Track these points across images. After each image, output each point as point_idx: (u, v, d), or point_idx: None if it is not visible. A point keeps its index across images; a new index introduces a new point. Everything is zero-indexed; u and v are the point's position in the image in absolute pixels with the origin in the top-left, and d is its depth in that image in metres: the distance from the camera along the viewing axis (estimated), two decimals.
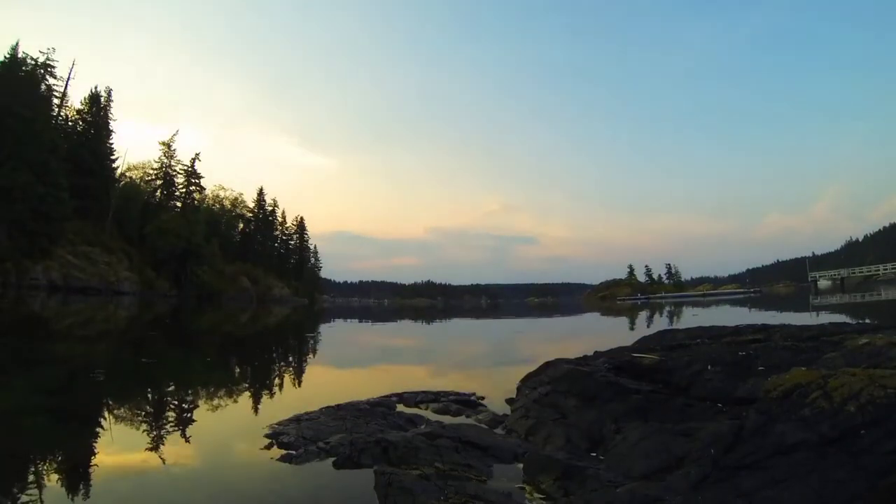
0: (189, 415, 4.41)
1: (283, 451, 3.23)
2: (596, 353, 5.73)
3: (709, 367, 3.84)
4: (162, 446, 3.47)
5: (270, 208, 69.14)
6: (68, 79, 39.29)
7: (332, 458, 3.10)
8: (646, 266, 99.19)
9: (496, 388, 5.78)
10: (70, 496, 2.60)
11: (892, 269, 48.11)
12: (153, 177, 50.63)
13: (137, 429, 3.86)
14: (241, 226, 65.38)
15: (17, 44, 33.42)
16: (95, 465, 3.05)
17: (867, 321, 6.40)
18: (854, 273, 54.31)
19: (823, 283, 54.74)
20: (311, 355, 10.74)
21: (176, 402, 5.03)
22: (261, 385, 6.18)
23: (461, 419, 4.50)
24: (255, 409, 4.64)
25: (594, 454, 3.24)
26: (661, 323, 18.21)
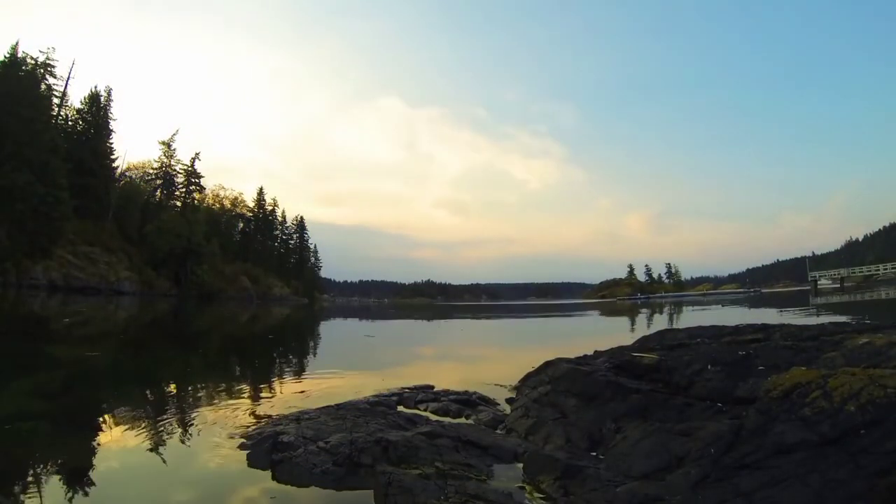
0: (188, 415, 4.41)
1: (283, 451, 3.23)
2: (596, 352, 5.74)
3: (709, 366, 3.84)
4: (161, 448, 3.47)
5: (270, 208, 69.09)
6: (68, 79, 39.28)
7: (333, 458, 3.10)
8: (646, 266, 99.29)
9: (496, 387, 5.78)
10: (69, 499, 2.60)
11: (892, 269, 48.06)
12: (153, 176, 50.61)
13: (137, 431, 3.86)
14: (241, 225, 65.33)
15: (16, 44, 33.42)
16: (94, 468, 3.06)
17: (867, 321, 6.40)
18: (854, 273, 54.26)
19: (823, 283, 54.69)
20: (310, 355, 10.74)
21: (175, 403, 5.03)
22: (260, 384, 6.18)
23: (461, 419, 4.50)
24: (255, 409, 4.64)
25: (594, 453, 3.24)
26: (660, 322, 18.21)
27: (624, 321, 21.10)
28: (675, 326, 7.37)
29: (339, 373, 7.09)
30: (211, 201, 60.70)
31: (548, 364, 5.23)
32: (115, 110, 44.05)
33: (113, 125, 43.28)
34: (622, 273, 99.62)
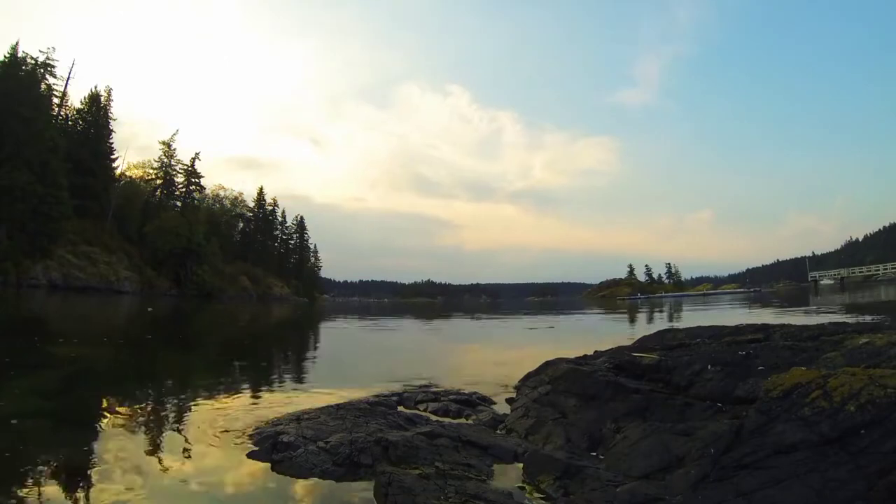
0: (188, 415, 4.41)
1: (283, 451, 3.23)
2: (596, 352, 5.74)
3: (709, 366, 3.84)
4: (160, 447, 3.47)
5: (270, 208, 69.16)
6: (68, 78, 39.35)
7: (332, 458, 3.10)
8: (646, 266, 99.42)
9: (496, 387, 5.78)
10: (69, 497, 2.60)
11: (892, 268, 48.13)
12: (153, 176, 50.63)
13: (136, 431, 3.86)
14: (241, 225, 65.40)
15: (17, 43, 33.44)
16: (94, 466, 3.05)
17: (867, 321, 6.40)
18: (854, 273, 54.33)
19: (823, 283, 54.72)
20: (310, 354, 10.74)
21: (175, 403, 5.03)
22: (260, 384, 6.18)
23: (461, 419, 4.50)
24: (255, 408, 4.64)
25: (594, 453, 3.25)
26: (660, 322, 18.21)
27: (624, 321, 21.10)
28: (674, 326, 7.36)
29: (339, 372, 7.10)
30: (211, 201, 60.77)
31: (548, 364, 5.23)
32: (117, 109, 44.12)
33: (113, 125, 43.35)
34: (623, 273, 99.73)
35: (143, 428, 3.91)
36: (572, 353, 5.80)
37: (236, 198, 65.24)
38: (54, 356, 7.37)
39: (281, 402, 5.01)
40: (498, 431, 4.01)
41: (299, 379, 6.84)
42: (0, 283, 26.61)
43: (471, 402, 5.02)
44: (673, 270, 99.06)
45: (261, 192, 67.94)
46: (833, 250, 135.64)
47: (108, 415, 4.37)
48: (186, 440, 3.65)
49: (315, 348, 12.09)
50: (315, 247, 79.63)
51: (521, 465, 3.13)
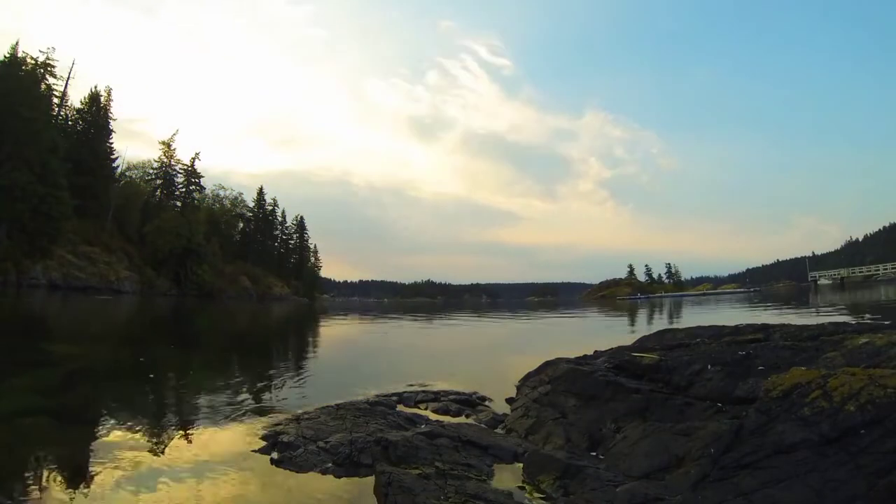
0: (188, 415, 4.41)
1: (283, 451, 3.23)
2: (596, 352, 5.75)
3: (709, 366, 3.84)
4: (161, 447, 3.47)
5: (270, 208, 69.18)
6: (68, 78, 39.31)
7: (332, 458, 3.10)
8: (646, 266, 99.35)
9: (496, 387, 5.78)
10: (68, 497, 2.60)
11: (892, 268, 48.17)
12: (153, 176, 50.66)
13: (136, 430, 3.86)
14: (241, 225, 65.43)
15: (17, 43, 33.46)
16: (94, 466, 3.05)
17: (867, 321, 6.40)
18: (854, 273, 54.37)
19: (823, 283, 54.76)
20: (310, 354, 10.74)
21: (174, 403, 5.03)
22: (260, 384, 6.18)
23: (461, 418, 4.50)
24: (255, 409, 4.64)
25: (594, 453, 3.25)
26: (660, 322, 18.20)
27: (624, 321, 21.09)
28: (674, 326, 7.37)
29: (339, 372, 7.09)
30: (211, 201, 60.82)
31: (548, 364, 5.23)
32: (117, 109, 44.10)
33: (113, 125, 43.33)
34: (623, 273, 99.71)
35: (142, 427, 3.91)
36: (572, 353, 5.80)
37: (236, 198, 65.35)
38: (54, 355, 7.37)
39: (281, 401, 5.01)
40: (498, 431, 4.01)
41: (299, 378, 6.84)
42: (0, 283, 26.60)
43: (471, 402, 5.02)
44: (673, 270, 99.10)
45: (260, 192, 68.03)
46: (833, 250, 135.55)
47: (108, 413, 4.37)
48: (186, 439, 3.65)
49: (315, 348, 12.09)
50: (315, 247, 79.70)
51: (521, 465, 3.13)
